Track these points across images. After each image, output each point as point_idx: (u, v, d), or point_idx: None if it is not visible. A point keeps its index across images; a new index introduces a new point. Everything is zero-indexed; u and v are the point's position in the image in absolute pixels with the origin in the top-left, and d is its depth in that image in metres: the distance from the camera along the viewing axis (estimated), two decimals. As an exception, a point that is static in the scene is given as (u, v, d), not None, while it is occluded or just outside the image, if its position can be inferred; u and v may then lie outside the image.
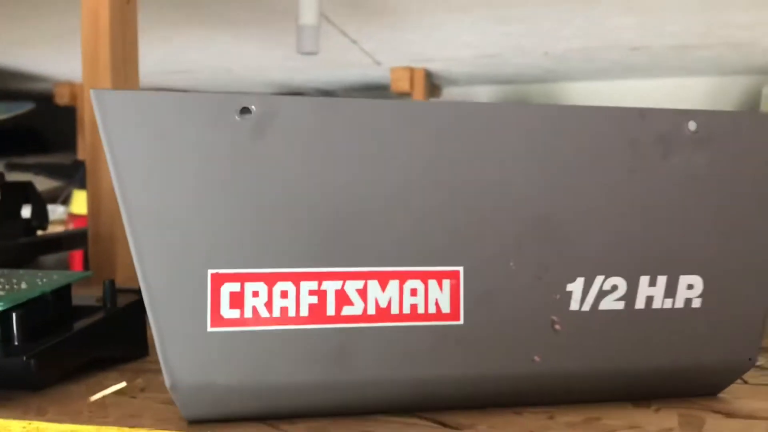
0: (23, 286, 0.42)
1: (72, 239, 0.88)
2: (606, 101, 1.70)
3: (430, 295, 0.33)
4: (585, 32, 1.21)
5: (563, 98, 1.81)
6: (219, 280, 0.32)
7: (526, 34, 1.25)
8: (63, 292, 0.44)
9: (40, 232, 0.79)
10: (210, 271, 0.32)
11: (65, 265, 1.25)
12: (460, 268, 0.34)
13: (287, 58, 1.38)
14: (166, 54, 1.35)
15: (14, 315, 0.38)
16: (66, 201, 1.90)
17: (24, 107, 1.71)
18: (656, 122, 0.35)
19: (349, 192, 0.33)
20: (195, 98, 0.31)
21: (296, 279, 0.32)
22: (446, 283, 0.34)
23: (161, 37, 1.20)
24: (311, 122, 0.32)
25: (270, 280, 0.32)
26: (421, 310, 0.33)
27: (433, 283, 0.33)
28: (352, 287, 0.33)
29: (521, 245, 0.34)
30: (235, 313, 0.32)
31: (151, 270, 0.31)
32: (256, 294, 0.32)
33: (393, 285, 0.33)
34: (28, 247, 0.76)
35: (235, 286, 0.32)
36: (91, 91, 0.30)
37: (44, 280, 0.43)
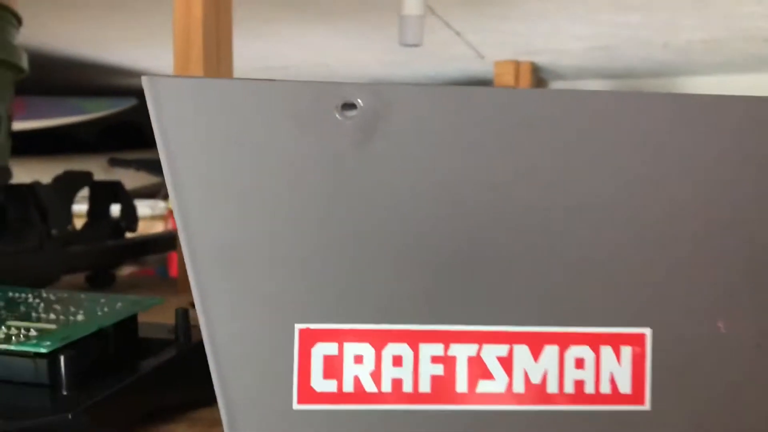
0: (79, 317, 0.35)
1: (159, 242, 0.84)
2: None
3: (602, 368, 0.24)
4: (711, 21, 1.07)
5: (683, 95, 1.65)
6: (309, 339, 0.23)
7: (644, 24, 1.13)
8: (127, 323, 0.37)
9: (129, 234, 0.76)
10: (297, 326, 0.23)
11: (164, 264, 1.21)
12: (647, 331, 0.24)
13: (386, 52, 1.30)
14: (260, 50, 1.30)
15: (62, 358, 0.31)
16: (166, 196, 1.91)
17: (127, 103, 1.72)
18: None
19: (490, 217, 0.23)
20: (277, 88, 0.22)
21: (414, 339, 0.23)
22: (626, 351, 0.24)
23: (255, 32, 1.15)
24: (438, 121, 0.23)
25: (378, 341, 0.23)
26: (589, 389, 0.23)
27: (607, 351, 0.24)
28: (491, 353, 0.23)
29: (734, 298, 0.24)
30: (330, 385, 0.23)
31: (218, 323, 0.23)
32: (359, 359, 0.23)
33: (550, 352, 0.23)
34: (115, 250, 0.72)
35: (332, 348, 0.23)
36: (143, 79, 0.22)
37: (105, 309, 0.36)
